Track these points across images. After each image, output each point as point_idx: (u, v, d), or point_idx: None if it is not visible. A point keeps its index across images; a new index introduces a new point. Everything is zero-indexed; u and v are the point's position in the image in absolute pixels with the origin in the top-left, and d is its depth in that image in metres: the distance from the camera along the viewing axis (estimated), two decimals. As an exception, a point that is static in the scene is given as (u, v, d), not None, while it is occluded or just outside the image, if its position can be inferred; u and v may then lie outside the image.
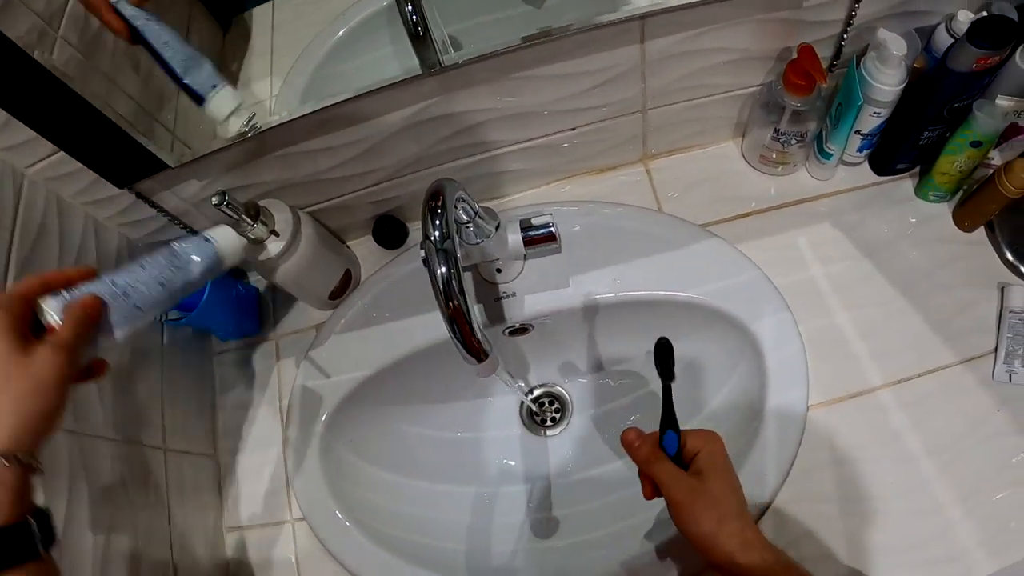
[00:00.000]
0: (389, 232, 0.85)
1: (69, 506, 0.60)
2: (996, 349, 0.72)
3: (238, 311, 0.85)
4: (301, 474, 0.79)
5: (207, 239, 0.61)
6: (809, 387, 0.72)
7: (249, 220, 0.71)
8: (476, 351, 0.60)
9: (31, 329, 0.48)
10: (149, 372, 0.79)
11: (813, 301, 0.76)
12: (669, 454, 0.57)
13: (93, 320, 0.50)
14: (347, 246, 0.90)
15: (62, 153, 0.66)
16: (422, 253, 0.74)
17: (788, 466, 0.70)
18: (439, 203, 0.60)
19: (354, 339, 0.82)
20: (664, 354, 0.61)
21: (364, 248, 0.88)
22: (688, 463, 0.57)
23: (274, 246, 0.73)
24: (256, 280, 0.92)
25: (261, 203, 0.73)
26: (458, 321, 0.59)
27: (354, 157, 0.77)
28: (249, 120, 0.70)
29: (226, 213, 0.68)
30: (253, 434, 0.84)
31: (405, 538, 0.78)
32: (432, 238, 0.59)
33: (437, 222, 0.59)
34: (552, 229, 0.74)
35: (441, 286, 0.58)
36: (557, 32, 0.65)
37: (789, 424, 0.71)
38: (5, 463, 0.43)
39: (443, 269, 0.58)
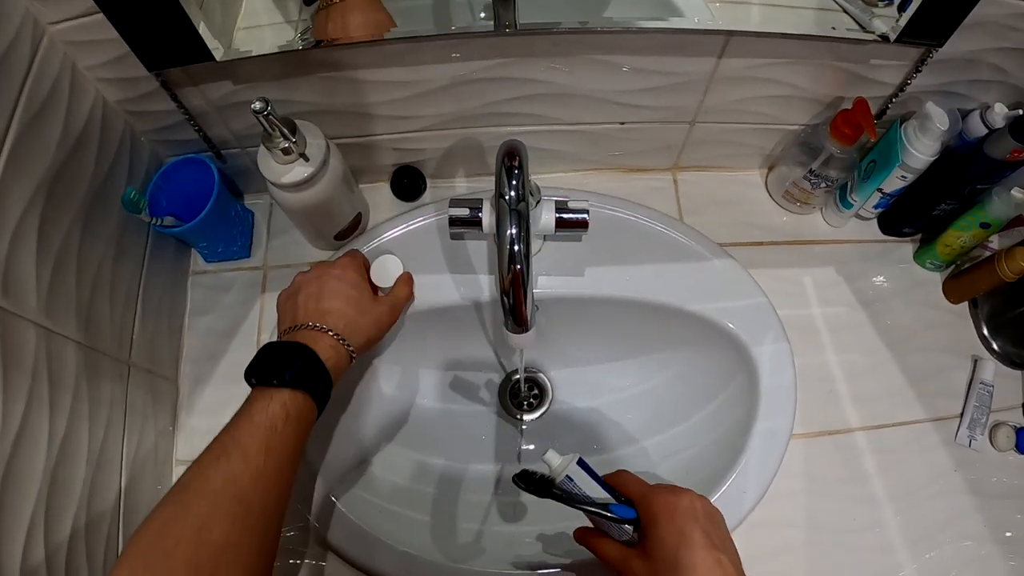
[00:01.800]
0: (408, 183, 0.82)
1: (28, 407, 0.54)
2: (962, 415, 0.78)
3: (231, 231, 0.79)
4: (271, 416, 0.74)
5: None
6: (795, 417, 0.75)
7: (282, 136, 0.66)
8: (524, 320, 0.59)
9: None
10: (129, 278, 0.72)
11: (809, 338, 0.80)
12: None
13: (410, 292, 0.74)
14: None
15: (99, 15, 0.58)
16: (454, 212, 0.73)
17: (766, 488, 0.72)
18: (516, 163, 0.59)
19: (352, 286, 0.78)
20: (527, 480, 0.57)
21: (375, 195, 0.84)
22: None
23: (300, 170, 0.69)
24: (251, 204, 0.85)
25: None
26: (516, 287, 0.57)
27: (399, 99, 0.73)
28: (303, 32, 0.66)
29: (264, 122, 0.63)
30: (223, 366, 0.78)
31: (369, 500, 0.74)
32: (507, 197, 0.57)
33: (514, 182, 0.58)
34: (587, 216, 0.73)
35: (508, 247, 0.56)
36: (647, 26, 0.65)
37: (772, 448, 0.74)
38: (352, 356, 0.63)
39: (513, 230, 0.56)
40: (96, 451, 0.63)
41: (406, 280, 0.72)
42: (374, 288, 0.71)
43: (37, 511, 0.54)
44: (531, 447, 0.85)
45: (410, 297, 0.74)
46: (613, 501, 0.57)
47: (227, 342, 0.79)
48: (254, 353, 0.76)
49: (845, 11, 0.68)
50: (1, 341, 0.52)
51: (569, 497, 0.57)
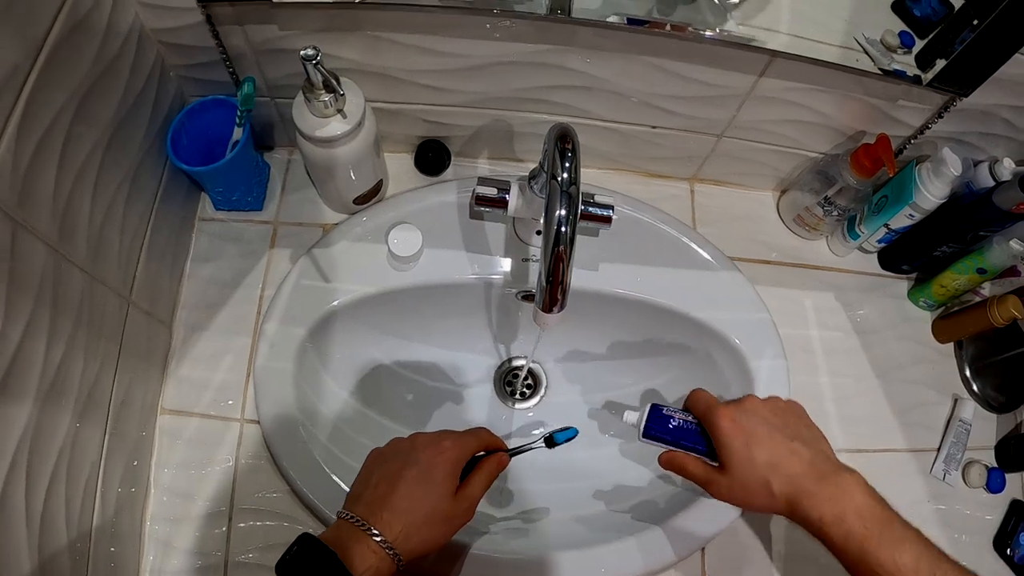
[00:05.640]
0: (433, 157, 0.81)
1: (29, 326, 0.51)
2: (939, 448, 0.81)
3: (251, 180, 0.77)
4: (269, 373, 0.72)
5: None
6: (786, 433, 0.77)
7: (325, 89, 0.65)
8: (558, 302, 0.59)
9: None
10: (140, 212, 0.70)
11: (805, 357, 0.82)
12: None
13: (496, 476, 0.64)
14: (381, 156, 0.84)
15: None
16: (482, 190, 0.72)
17: (753, 498, 0.74)
18: (570, 146, 0.59)
19: (366, 251, 0.77)
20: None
21: (396, 165, 0.83)
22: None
23: (337, 126, 0.68)
24: (268, 158, 0.83)
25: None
26: (557, 268, 0.57)
27: (439, 71, 0.72)
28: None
29: (312, 71, 0.62)
30: (220, 317, 0.76)
31: (349, 464, 0.73)
32: (559, 179, 0.57)
33: (567, 164, 0.57)
34: (612, 213, 0.74)
35: (555, 227, 0.56)
36: (697, 33, 0.66)
37: (762, 461, 0.75)
38: (400, 565, 0.55)
39: (562, 212, 0.56)
40: (88, 385, 0.61)
41: (489, 470, 0.62)
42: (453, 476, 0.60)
43: (22, 444, 0.51)
44: (520, 436, 0.85)
45: (487, 489, 0.62)
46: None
47: (228, 293, 0.77)
48: (255, 307, 0.76)
49: (866, 52, 0.70)
50: (11, 253, 0.50)
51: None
